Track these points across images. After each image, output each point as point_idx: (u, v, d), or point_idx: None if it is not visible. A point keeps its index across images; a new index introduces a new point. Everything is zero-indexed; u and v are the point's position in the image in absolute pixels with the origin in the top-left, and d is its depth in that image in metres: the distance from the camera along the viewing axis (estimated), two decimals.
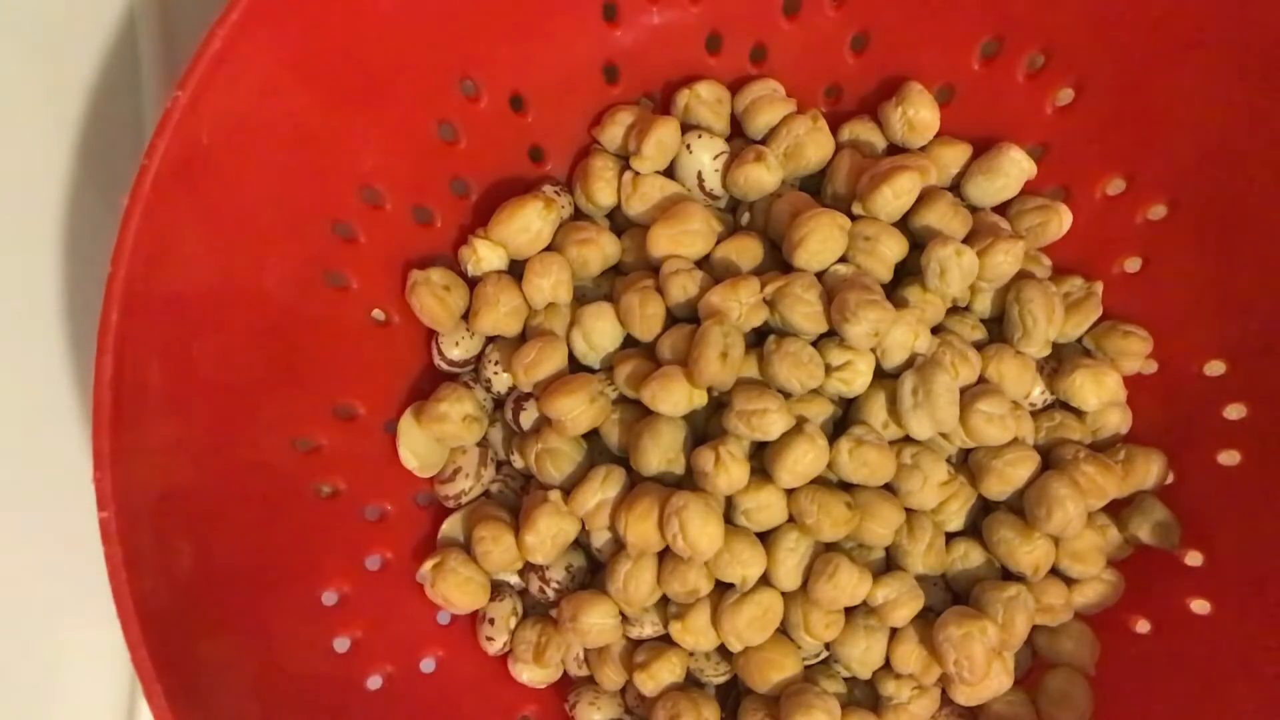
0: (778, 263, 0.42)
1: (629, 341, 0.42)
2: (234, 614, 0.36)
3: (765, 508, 0.39)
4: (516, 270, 0.43)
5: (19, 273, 0.40)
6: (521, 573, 0.43)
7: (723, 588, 0.39)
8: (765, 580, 0.39)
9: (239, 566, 0.36)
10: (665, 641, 0.41)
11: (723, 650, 0.40)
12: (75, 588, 0.39)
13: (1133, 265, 0.42)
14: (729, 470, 0.38)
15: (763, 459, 0.39)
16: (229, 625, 0.35)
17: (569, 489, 0.40)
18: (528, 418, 0.42)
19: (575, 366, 0.42)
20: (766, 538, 0.39)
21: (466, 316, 0.43)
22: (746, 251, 0.41)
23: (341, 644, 0.39)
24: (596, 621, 0.40)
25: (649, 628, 0.41)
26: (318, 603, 0.39)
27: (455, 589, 0.41)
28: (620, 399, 0.41)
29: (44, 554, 0.41)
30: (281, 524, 0.38)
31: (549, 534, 0.40)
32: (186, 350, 0.35)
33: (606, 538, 0.41)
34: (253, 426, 0.38)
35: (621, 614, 0.40)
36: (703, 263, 0.42)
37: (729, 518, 0.39)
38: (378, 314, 0.42)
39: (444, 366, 0.44)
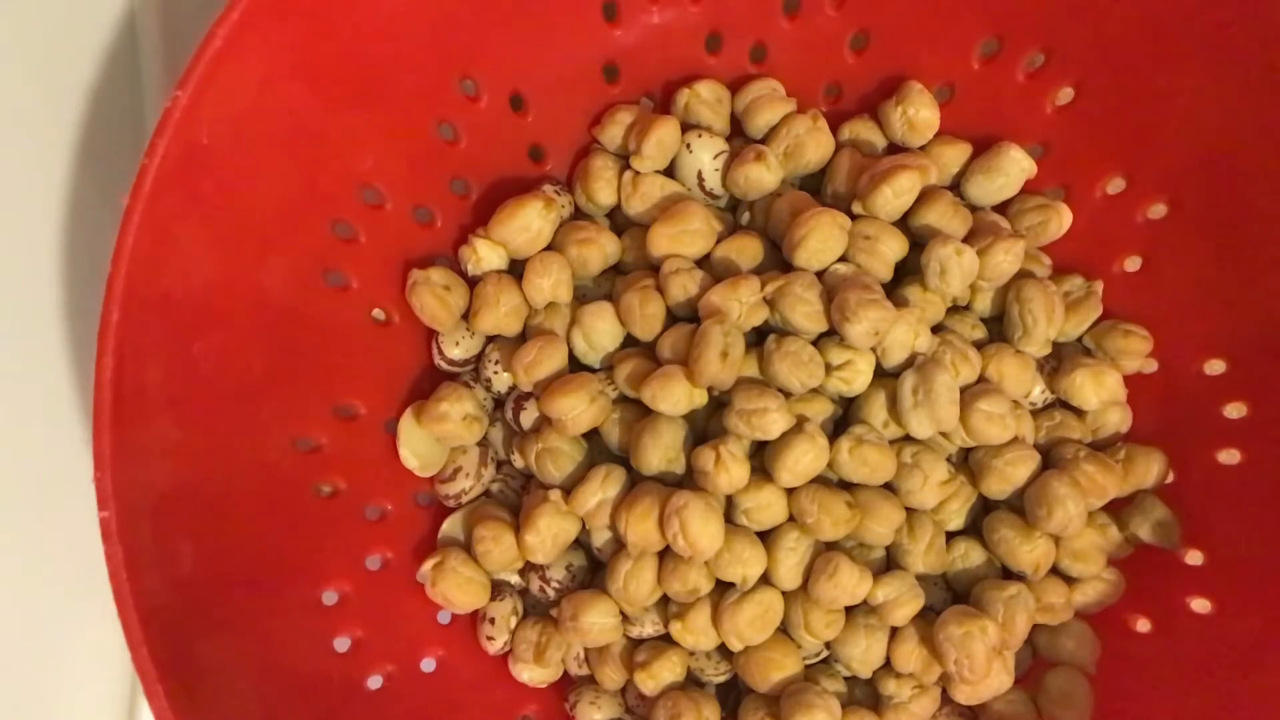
0: (778, 262, 0.42)
1: (629, 341, 0.42)
2: (235, 613, 0.36)
3: (765, 507, 0.38)
4: (516, 270, 0.43)
5: (19, 273, 0.40)
6: (522, 572, 0.43)
7: (723, 587, 0.39)
8: (765, 579, 0.39)
9: (239, 566, 0.36)
10: (666, 641, 0.41)
11: (723, 649, 0.40)
12: (75, 588, 0.39)
13: (1133, 264, 0.42)
14: (729, 469, 0.37)
15: (763, 458, 0.39)
16: (229, 625, 0.35)
17: (569, 488, 0.40)
18: (528, 417, 0.42)
19: (575, 366, 0.42)
20: (767, 537, 0.39)
21: (467, 316, 0.43)
22: (746, 251, 0.41)
23: (342, 644, 0.39)
24: (597, 621, 0.40)
25: (649, 627, 0.41)
26: (318, 602, 0.39)
27: (456, 588, 0.41)
28: (620, 398, 0.41)
29: (44, 554, 0.41)
30: (282, 524, 0.38)
31: (549, 533, 0.40)
32: (186, 350, 0.35)
33: (607, 537, 0.41)
34: (253, 426, 0.38)
35: (622, 613, 0.40)
36: (703, 262, 0.41)
37: (729, 517, 0.39)
38: (378, 313, 0.42)
39: (444, 366, 0.44)
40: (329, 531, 0.40)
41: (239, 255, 0.36)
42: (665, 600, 0.40)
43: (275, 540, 0.38)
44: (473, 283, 0.43)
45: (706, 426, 0.40)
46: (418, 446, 0.43)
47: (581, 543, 0.42)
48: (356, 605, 0.39)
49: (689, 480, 0.39)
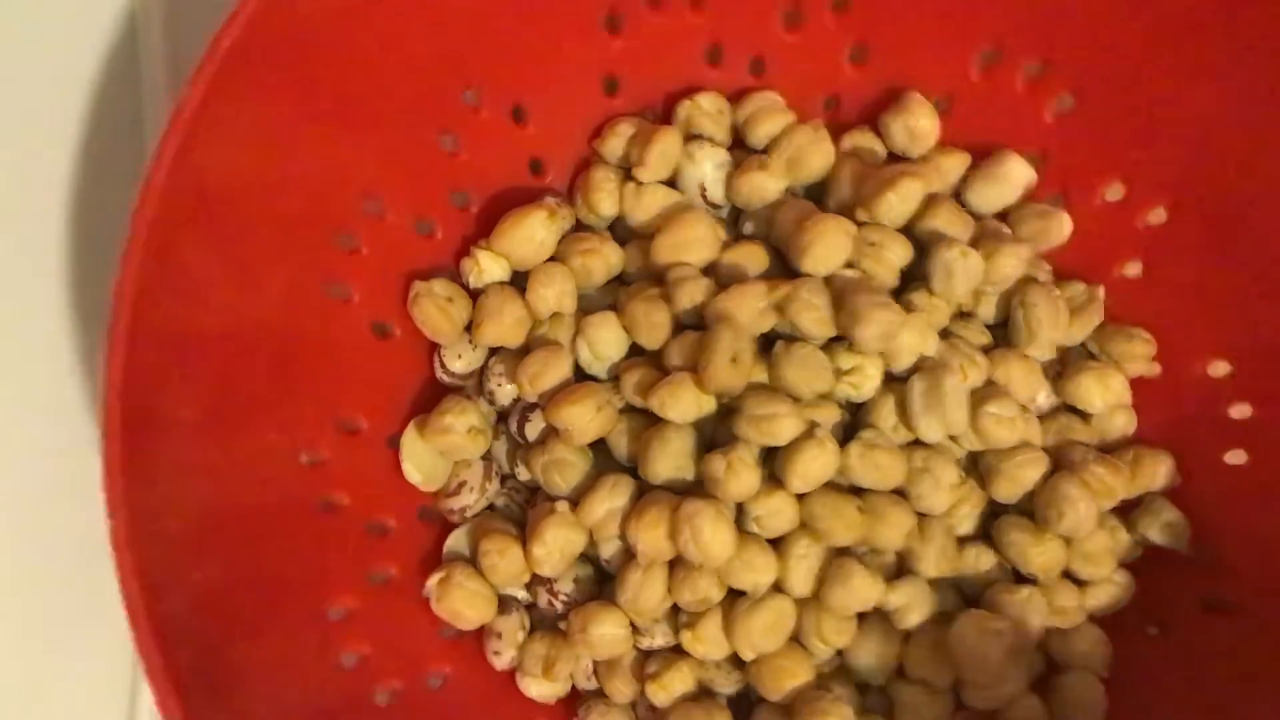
0: (783, 270, 0.42)
1: (634, 350, 0.42)
2: (243, 626, 0.35)
3: (776, 514, 0.38)
4: (519, 281, 0.43)
5: (22, 274, 0.40)
6: (529, 586, 0.42)
7: (734, 595, 0.39)
8: (777, 587, 0.39)
9: (245, 580, 0.36)
10: (676, 652, 0.40)
11: (735, 659, 0.40)
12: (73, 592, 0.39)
13: (1134, 269, 0.43)
14: (739, 476, 0.37)
15: (773, 465, 0.39)
16: (238, 637, 0.35)
17: (576, 499, 0.40)
18: (533, 429, 0.42)
19: (580, 377, 0.42)
20: (778, 544, 0.39)
21: (469, 328, 0.43)
22: (752, 258, 0.41)
23: (349, 659, 0.38)
24: (607, 632, 0.39)
25: (660, 638, 0.40)
26: (324, 617, 0.38)
27: (462, 603, 0.41)
28: (627, 408, 0.41)
29: (46, 557, 0.41)
30: (286, 539, 0.38)
31: (557, 545, 0.40)
32: (190, 363, 0.35)
33: (615, 548, 0.41)
34: (256, 440, 0.37)
35: (632, 625, 0.40)
36: (708, 271, 0.41)
37: (740, 524, 0.39)
38: (380, 327, 0.42)
39: (446, 379, 0.43)
40: (333, 547, 0.39)
41: (240, 269, 0.37)
42: (675, 610, 0.40)
43: (280, 555, 0.38)
44: (475, 295, 0.43)
45: (715, 434, 0.40)
46: (421, 461, 0.42)
47: (589, 554, 0.42)
48: (362, 621, 0.39)
49: (699, 488, 0.39)
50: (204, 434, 0.35)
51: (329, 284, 0.40)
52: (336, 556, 0.40)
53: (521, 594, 0.43)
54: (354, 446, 0.41)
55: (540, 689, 0.42)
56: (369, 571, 0.41)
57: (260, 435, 0.38)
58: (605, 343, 0.41)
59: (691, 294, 0.40)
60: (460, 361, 0.43)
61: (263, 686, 0.35)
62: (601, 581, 0.42)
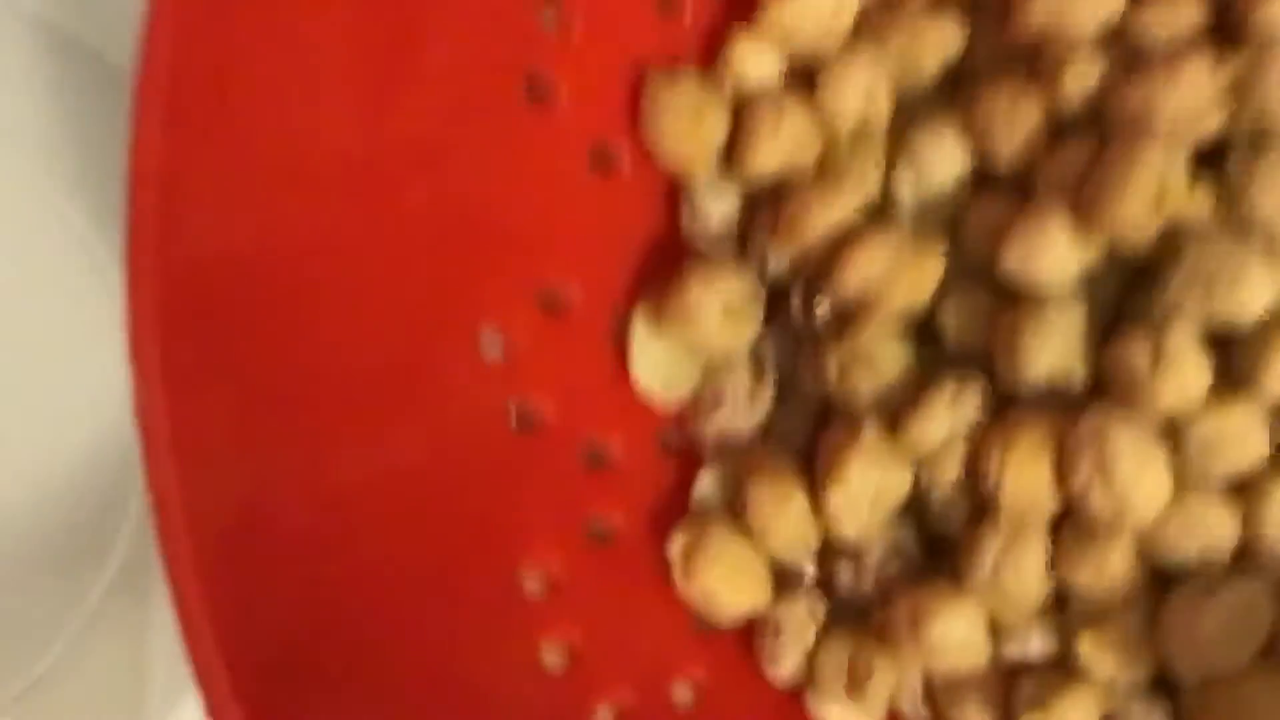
0: (1224, 38, 0.32)
1: (979, 181, 0.34)
2: (398, 595, 0.31)
3: (1236, 439, 0.30)
4: (803, 80, 0.36)
5: None
6: (822, 554, 0.36)
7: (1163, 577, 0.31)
8: (1241, 562, 0.31)
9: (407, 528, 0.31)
10: (1063, 668, 0.33)
11: (1162, 682, 0.32)
12: None
13: None
14: (1181, 372, 0.29)
15: (1230, 357, 0.30)
16: (384, 613, 0.30)
17: (894, 416, 0.33)
18: (826, 309, 0.35)
19: None
20: (1241, 489, 0.31)
21: (728, 154, 0.36)
22: (1180, 16, 0.32)
23: (552, 654, 0.34)
24: (952, 632, 0.33)
25: (1037, 644, 0.33)
26: (515, 587, 0.34)
27: (721, 579, 0.35)
28: (965, 272, 0.34)
29: None
30: (462, 459, 0.34)
31: (865, 490, 0.33)
32: (311, 192, 0.30)
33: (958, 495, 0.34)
34: (430, 313, 0.33)
35: (992, 622, 0.33)
36: (1106, 41, 0.33)
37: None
38: (600, 154, 0.36)
39: (696, 234, 0.37)
40: (529, 480, 0.35)
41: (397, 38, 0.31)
42: (1062, 599, 0.33)
43: (457, 489, 0.33)
44: (737, 105, 0.36)
45: (1122, 306, 0.32)
46: (657, 359, 0.37)
47: (916, 505, 0.35)
48: (572, 595, 0.34)
49: (1098, 395, 0.31)
50: (345, 294, 0.31)
51: (530, 78, 0.34)
52: (533, 495, 0.35)
53: (811, 567, 0.36)
54: (562, 333, 0.36)
55: (844, 715, 0.36)
56: (580, 521, 0.36)
57: (435, 308, 0.33)
58: (939, 169, 0.34)
59: (1083, 77, 0.32)
60: (720, 204, 0.37)
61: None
62: (935, 550, 0.35)
